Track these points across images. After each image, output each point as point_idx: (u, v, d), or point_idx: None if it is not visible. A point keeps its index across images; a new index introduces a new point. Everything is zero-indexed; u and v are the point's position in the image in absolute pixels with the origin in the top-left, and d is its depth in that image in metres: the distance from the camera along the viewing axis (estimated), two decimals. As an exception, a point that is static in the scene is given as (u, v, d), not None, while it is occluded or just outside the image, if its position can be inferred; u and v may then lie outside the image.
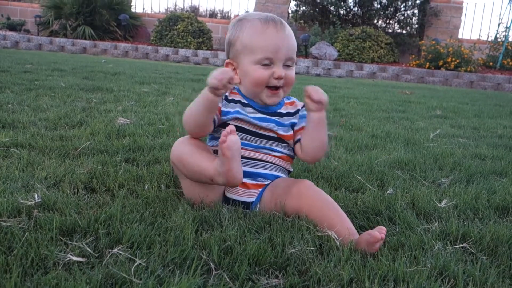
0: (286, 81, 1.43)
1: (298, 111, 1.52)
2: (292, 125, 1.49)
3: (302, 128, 1.47)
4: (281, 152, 1.49)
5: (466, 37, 12.87)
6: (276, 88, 1.43)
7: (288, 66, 1.44)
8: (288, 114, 1.50)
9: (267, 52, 1.39)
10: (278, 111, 1.49)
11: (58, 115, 2.59)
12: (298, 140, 1.48)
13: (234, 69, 1.47)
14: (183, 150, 1.41)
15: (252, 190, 1.44)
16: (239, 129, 1.44)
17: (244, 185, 1.44)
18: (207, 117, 1.38)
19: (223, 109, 1.46)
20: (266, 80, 1.41)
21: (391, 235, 1.28)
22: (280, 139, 1.47)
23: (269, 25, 1.41)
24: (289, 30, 1.45)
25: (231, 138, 1.25)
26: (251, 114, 1.45)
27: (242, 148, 1.43)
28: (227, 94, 1.48)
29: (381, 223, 1.37)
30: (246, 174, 1.44)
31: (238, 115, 1.45)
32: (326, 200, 1.33)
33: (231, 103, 1.47)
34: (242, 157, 1.43)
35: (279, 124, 1.46)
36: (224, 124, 1.46)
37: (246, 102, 1.47)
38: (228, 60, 1.49)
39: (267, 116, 1.46)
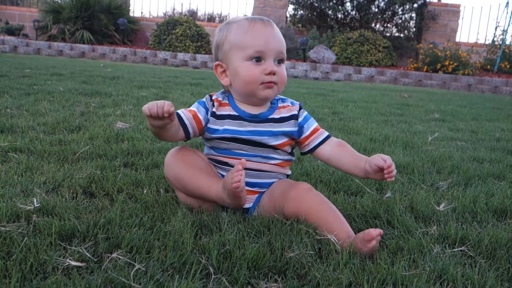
0: (279, 78, 1.40)
1: (293, 116, 1.48)
2: (286, 134, 1.45)
3: (313, 132, 1.48)
4: (277, 159, 1.46)
5: (464, 40, 12.92)
6: (269, 83, 1.39)
7: (279, 63, 1.42)
8: (281, 120, 1.46)
9: (257, 46, 1.37)
10: (270, 117, 1.45)
11: (57, 119, 2.60)
12: (318, 145, 1.48)
13: (224, 71, 1.45)
14: (180, 171, 1.39)
15: (249, 196, 1.42)
16: (233, 139, 1.42)
17: None
18: (164, 133, 1.35)
19: (211, 126, 1.43)
20: (258, 77, 1.38)
21: (390, 239, 1.29)
22: (274, 147, 1.45)
23: (256, 22, 1.40)
24: (276, 28, 1.44)
25: (243, 180, 1.25)
26: (242, 128, 1.42)
27: (237, 158, 1.42)
28: (214, 110, 1.44)
29: (380, 227, 1.38)
30: None
31: (225, 134, 1.42)
32: (324, 203, 1.33)
33: (219, 120, 1.43)
34: None
35: (271, 133, 1.43)
36: (219, 138, 1.43)
37: (235, 114, 1.44)
38: (217, 62, 1.46)
39: (258, 129, 1.43)
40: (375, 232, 1.15)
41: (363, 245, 1.16)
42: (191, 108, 1.46)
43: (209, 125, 1.44)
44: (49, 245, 1.09)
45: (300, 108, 1.51)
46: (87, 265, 1.02)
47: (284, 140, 1.45)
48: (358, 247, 1.18)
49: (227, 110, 1.45)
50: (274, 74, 1.38)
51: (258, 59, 1.38)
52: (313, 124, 1.50)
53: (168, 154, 1.46)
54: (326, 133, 1.51)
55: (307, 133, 1.48)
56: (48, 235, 1.13)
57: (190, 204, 1.44)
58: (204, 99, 1.47)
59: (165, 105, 1.22)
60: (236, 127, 1.42)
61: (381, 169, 1.32)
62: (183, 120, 1.40)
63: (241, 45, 1.38)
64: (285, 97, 1.54)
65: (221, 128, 1.43)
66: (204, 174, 1.38)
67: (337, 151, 1.47)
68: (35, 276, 0.97)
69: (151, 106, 1.22)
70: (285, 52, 1.43)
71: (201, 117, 1.43)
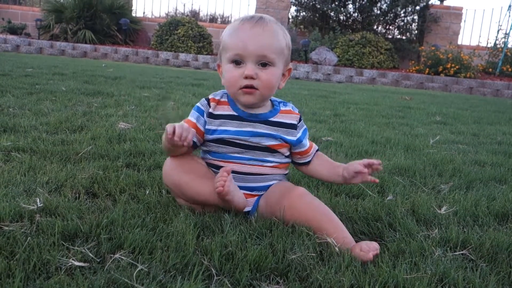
0: (261, 82, 1.34)
1: (293, 126, 1.45)
2: (283, 139, 1.43)
3: (307, 151, 1.51)
4: (273, 161, 1.44)
5: (466, 43, 12.91)
6: (247, 87, 1.34)
7: (264, 66, 1.34)
8: (281, 125, 1.43)
9: (236, 49, 1.33)
10: (270, 119, 1.42)
11: (59, 119, 2.60)
12: (307, 163, 1.53)
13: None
14: (180, 178, 1.37)
15: (248, 199, 1.42)
16: (228, 143, 1.40)
17: None
18: (177, 151, 1.39)
19: (208, 127, 1.41)
20: (236, 80, 1.34)
21: (392, 242, 1.29)
22: (270, 149, 1.43)
23: (245, 22, 1.35)
24: (269, 28, 1.34)
25: (229, 184, 1.28)
26: (240, 128, 1.39)
27: (233, 162, 1.41)
28: (211, 110, 1.41)
29: (381, 229, 1.38)
30: (241, 188, 1.40)
31: (223, 135, 1.39)
32: (318, 210, 1.31)
33: (217, 119, 1.41)
34: (234, 172, 1.39)
35: (270, 136, 1.41)
36: (215, 140, 1.41)
37: (234, 114, 1.41)
38: (217, 62, 1.47)
39: (257, 130, 1.40)
40: (373, 252, 1.17)
41: (362, 255, 1.17)
42: (189, 118, 1.43)
43: (207, 127, 1.41)
44: (52, 245, 1.09)
45: (300, 120, 1.49)
46: (90, 266, 1.03)
47: (282, 142, 1.44)
48: (356, 253, 1.18)
49: (226, 110, 1.42)
50: (252, 78, 1.33)
51: (238, 62, 1.34)
52: (307, 143, 1.52)
53: (165, 162, 1.43)
54: (316, 148, 1.56)
55: (303, 149, 1.51)
56: (51, 235, 1.14)
57: (192, 206, 1.43)
58: (199, 104, 1.44)
59: (189, 136, 1.27)
60: (235, 127, 1.40)
61: (358, 172, 1.40)
62: None
63: (226, 47, 1.37)
64: (287, 101, 1.53)
65: (218, 128, 1.40)
66: (203, 179, 1.37)
67: (317, 162, 1.53)
68: (38, 276, 0.97)
69: (177, 131, 1.25)
70: (272, 54, 1.33)
71: (200, 127, 1.41)
